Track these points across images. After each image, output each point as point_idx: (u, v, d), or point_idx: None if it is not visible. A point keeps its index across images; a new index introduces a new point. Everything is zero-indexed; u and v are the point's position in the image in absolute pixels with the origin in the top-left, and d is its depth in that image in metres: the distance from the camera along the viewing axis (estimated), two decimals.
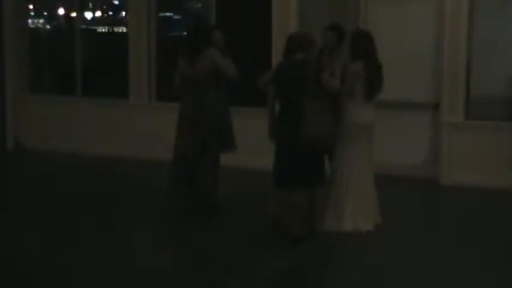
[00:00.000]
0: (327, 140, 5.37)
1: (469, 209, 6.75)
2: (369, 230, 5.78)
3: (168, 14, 9.24)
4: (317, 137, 5.28)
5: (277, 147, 5.54)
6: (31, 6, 9.87)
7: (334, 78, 5.58)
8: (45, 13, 10.26)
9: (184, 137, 6.18)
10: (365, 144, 5.77)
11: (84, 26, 9.59)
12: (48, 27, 10.28)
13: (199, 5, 9.09)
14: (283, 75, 5.51)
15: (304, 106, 5.27)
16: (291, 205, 5.54)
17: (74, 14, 9.46)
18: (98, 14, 10.20)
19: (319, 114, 5.26)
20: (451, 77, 7.52)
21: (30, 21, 9.81)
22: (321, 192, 5.74)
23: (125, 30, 9.37)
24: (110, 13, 10.42)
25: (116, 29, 10.12)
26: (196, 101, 6.12)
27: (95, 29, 10.18)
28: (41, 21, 10.23)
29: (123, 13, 9.80)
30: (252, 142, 7.27)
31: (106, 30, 10.22)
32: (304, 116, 5.25)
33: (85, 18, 9.85)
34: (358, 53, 5.70)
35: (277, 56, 7.13)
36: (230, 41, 6.46)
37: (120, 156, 8.63)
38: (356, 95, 5.70)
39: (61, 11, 10.14)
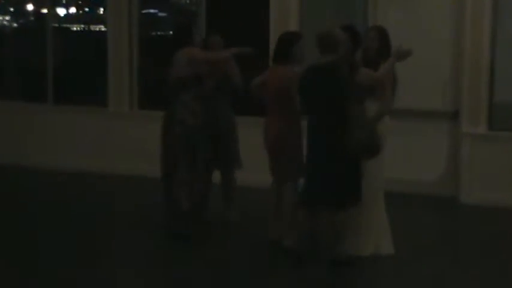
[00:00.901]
0: (380, 145, 5.29)
1: (494, 231, 6.57)
2: (389, 253, 5.67)
3: (152, 10, 9.22)
4: (373, 142, 5.23)
5: (312, 162, 5.34)
6: None
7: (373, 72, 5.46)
8: (12, 9, 10.23)
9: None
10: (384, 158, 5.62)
11: (56, 24, 9.47)
12: (15, 25, 10.22)
13: (188, 0, 9.11)
14: (316, 80, 5.28)
15: (349, 111, 5.18)
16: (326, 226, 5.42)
17: (44, 11, 9.34)
18: (73, 10, 10.16)
19: (364, 118, 5.27)
20: (471, 81, 7.39)
21: None
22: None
23: (103, 28, 9.35)
24: (86, 9, 10.37)
25: (92, 28, 10.09)
26: (167, 106, 6.17)
27: (69, 28, 10.08)
28: (7, 18, 10.18)
29: (101, 9, 9.74)
30: (246, 156, 6.95)
31: (81, 28, 10.18)
32: (353, 121, 5.18)
33: (57, 15, 9.74)
34: (387, 53, 5.51)
35: None
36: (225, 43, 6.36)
37: (97, 171, 8.50)
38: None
39: (30, 7, 10.06)
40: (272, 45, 7.55)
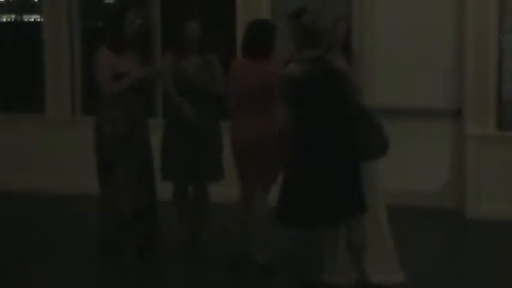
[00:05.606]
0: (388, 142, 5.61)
1: (506, 249, 6.60)
2: (401, 281, 5.63)
3: None
4: (384, 140, 5.54)
5: (319, 171, 5.38)
6: None
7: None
8: None
9: None
10: None
11: None
12: None
13: None
14: (321, 76, 5.39)
15: (355, 109, 5.44)
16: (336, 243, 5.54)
17: None
18: None
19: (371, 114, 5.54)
20: (477, 75, 7.42)
21: None
22: None
23: (38, 18, 9.17)
24: None
25: (25, 18, 9.94)
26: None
27: None
28: None
29: None
30: None
31: (12, 19, 10.03)
32: (364, 120, 5.48)
33: None
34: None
35: None
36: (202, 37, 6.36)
37: (31, 189, 8.38)
38: None
39: None
40: (240, 39, 7.48)
